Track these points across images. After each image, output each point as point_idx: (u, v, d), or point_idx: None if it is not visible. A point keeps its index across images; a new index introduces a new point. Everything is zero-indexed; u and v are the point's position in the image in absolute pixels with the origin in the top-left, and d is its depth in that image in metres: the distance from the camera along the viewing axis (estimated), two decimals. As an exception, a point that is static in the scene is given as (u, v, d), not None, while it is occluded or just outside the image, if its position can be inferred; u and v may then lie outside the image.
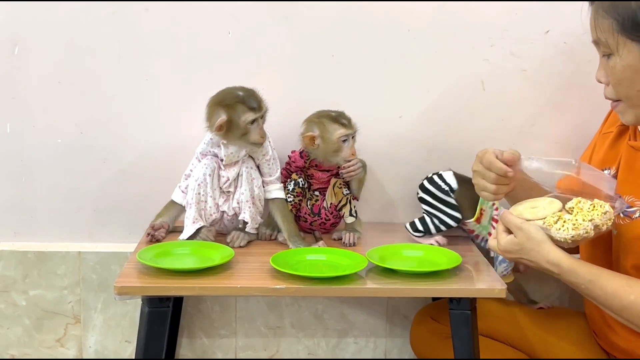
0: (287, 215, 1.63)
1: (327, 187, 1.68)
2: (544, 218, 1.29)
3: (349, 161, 1.62)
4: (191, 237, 1.59)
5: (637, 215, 1.35)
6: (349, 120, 1.60)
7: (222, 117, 1.52)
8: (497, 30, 1.75)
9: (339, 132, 1.59)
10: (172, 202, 1.66)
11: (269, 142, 1.64)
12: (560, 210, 1.31)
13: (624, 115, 1.38)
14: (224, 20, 1.73)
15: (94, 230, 1.84)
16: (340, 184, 1.67)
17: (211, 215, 1.62)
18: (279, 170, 1.66)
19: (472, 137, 1.80)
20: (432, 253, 1.55)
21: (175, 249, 1.54)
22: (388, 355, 1.93)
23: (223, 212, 1.63)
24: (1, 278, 1.82)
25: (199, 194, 1.60)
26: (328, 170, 1.65)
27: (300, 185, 1.66)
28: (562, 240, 1.25)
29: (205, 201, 1.60)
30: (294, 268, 1.43)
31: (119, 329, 1.87)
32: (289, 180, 1.67)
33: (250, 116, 1.53)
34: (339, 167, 1.65)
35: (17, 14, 1.70)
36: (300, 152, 1.65)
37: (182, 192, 1.64)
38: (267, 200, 1.65)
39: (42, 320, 1.85)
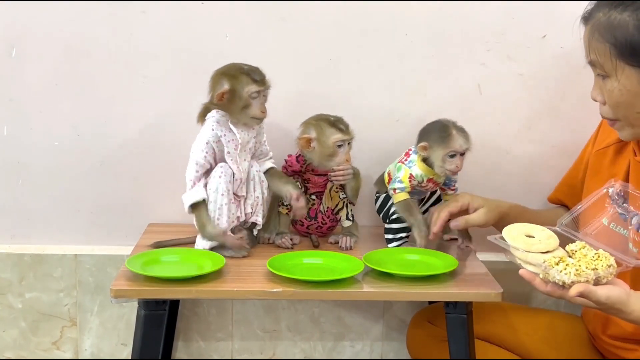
0: (283, 176, 1.64)
1: (323, 191, 1.68)
2: (545, 253, 1.26)
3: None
4: (217, 248, 1.54)
5: None
6: (346, 126, 1.60)
7: (225, 87, 1.51)
8: (493, 34, 1.76)
9: (336, 136, 1.59)
10: (199, 205, 1.53)
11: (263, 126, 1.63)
12: (556, 248, 1.28)
13: (622, 133, 1.37)
14: (221, 23, 1.73)
15: (91, 233, 1.84)
16: (336, 188, 1.67)
17: (232, 222, 1.57)
18: (270, 151, 1.66)
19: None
20: (429, 257, 1.55)
21: (165, 256, 1.51)
22: (384, 358, 1.93)
23: (237, 217, 1.59)
24: (-3, 280, 1.83)
25: (227, 204, 1.54)
26: (324, 175, 1.65)
27: (297, 189, 1.66)
28: (558, 281, 1.21)
29: (229, 211, 1.56)
30: (290, 271, 1.43)
31: (115, 332, 1.87)
32: (286, 183, 1.67)
33: (253, 88, 1.51)
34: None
35: (14, 17, 1.71)
36: (297, 157, 1.65)
37: (198, 192, 1.55)
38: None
39: (38, 322, 1.85)
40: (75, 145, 1.78)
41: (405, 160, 1.63)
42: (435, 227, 1.49)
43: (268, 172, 1.63)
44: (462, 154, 1.58)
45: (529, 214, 1.59)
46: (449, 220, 1.55)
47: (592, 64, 1.33)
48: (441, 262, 1.50)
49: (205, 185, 1.55)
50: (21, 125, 1.76)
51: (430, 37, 1.76)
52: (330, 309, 1.90)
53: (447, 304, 1.43)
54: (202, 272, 1.42)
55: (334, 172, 1.61)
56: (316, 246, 1.65)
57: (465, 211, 1.54)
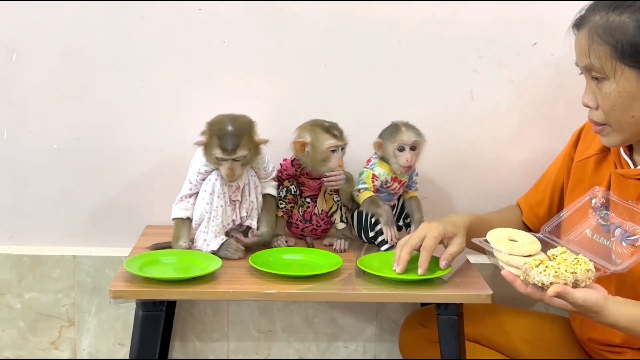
0: (271, 211, 1.66)
1: (318, 194, 1.70)
2: (527, 256, 1.28)
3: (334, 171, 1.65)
4: (217, 251, 1.57)
5: None
6: (340, 132, 1.63)
7: (203, 139, 1.54)
8: (485, 41, 1.79)
9: (329, 142, 1.61)
10: (181, 221, 1.61)
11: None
12: (538, 252, 1.31)
13: (608, 139, 1.37)
14: (218, 29, 1.76)
15: (89, 234, 1.86)
16: (330, 191, 1.70)
17: (227, 225, 1.61)
18: (273, 172, 1.68)
19: (461, 146, 1.84)
20: None
21: (162, 257, 1.54)
22: (377, 358, 1.96)
23: (232, 220, 1.63)
24: (-4, 281, 1.85)
25: (222, 206, 1.58)
26: (319, 178, 1.67)
27: (292, 192, 1.69)
28: (538, 283, 1.22)
29: (224, 213, 1.60)
30: (272, 267, 1.48)
31: (112, 332, 1.89)
32: (281, 187, 1.70)
33: (218, 153, 1.52)
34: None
35: (14, 21, 1.73)
36: (292, 161, 1.68)
37: (184, 208, 1.61)
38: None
39: (37, 323, 1.87)
40: (73, 147, 1.80)
41: (367, 165, 1.69)
42: (399, 268, 1.45)
43: (264, 198, 1.66)
44: (413, 149, 1.63)
45: (486, 223, 1.56)
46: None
47: (587, 68, 1.32)
48: (434, 266, 1.52)
49: (194, 204, 1.60)
50: (21, 128, 1.79)
51: (423, 44, 1.79)
52: (324, 310, 1.92)
53: (438, 305, 1.45)
54: (198, 273, 1.44)
55: (327, 177, 1.64)
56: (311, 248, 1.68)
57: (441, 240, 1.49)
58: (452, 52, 1.80)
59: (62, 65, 1.76)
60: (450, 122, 1.84)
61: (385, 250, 1.65)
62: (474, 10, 1.77)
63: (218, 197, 1.57)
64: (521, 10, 1.77)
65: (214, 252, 1.56)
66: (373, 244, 1.68)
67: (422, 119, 1.71)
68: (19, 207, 1.84)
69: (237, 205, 1.62)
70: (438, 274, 1.47)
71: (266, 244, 1.65)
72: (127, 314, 1.87)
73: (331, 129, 1.62)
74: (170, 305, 1.83)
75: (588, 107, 1.36)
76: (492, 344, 1.68)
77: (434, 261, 1.54)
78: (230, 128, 1.52)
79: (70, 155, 1.80)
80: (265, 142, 1.58)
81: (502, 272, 1.28)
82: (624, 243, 1.34)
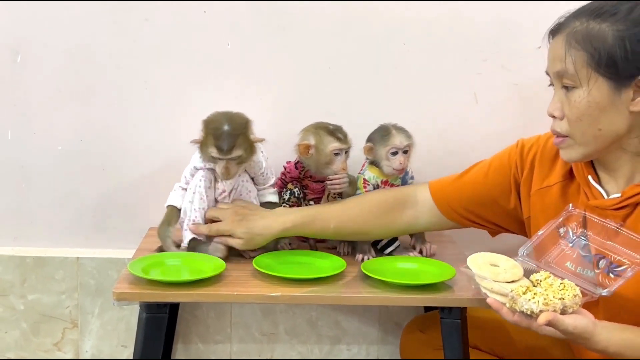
0: None
1: (321, 197, 1.70)
2: (510, 282, 1.26)
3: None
4: (192, 248, 1.58)
5: (630, 273, 1.25)
6: (345, 135, 1.63)
7: (198, 138, 1.55)
8: (489, 44, 1.79)
9: (333, 145, 1.61)
10: (172, 208, 1.63)
11: (262, 153, 1.66)
12: (521, 278, 1.28)
13: (568, 152, 1.32)
14: (223, 32, 1.76)
15: (92, 236, 1.86)
16: (334, 194, 1.70)
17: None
18: (272, 179, 1.68)
19: (465, 149, 1.84)
20: (426, 265, 1.57)
21: (166, 260, 1.54)
22: (380, 361, 1.97)
23: None
24: (0, 282, 1.85)
25: (204, 208, 1.59)
26: (322, 181, 1.67)
27: (296, 195, 1.69)
28: (526, 310, 1.20)
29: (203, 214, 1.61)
30: (275, 269, 1.48)
31: (115, 334, 1.90)
32: (284, 189, 1.70)
33: (213, 152, 1.53)
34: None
35: (19, 23, 1.74)
36: (296, 163, 1.68)
37: (180, 195, 1.63)
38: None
39: (40, 324, 1.88)
40: (78, 149, 1.81)
41: (360, 170, 1.70)
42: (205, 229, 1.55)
43: (265, 207, 1.66)
44: (405, 152, 1.63)
45: (320, 220, 1.58)
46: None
47: (559, 74, 1.28)
48: (438, 270, 1.53)
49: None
50: (25, 130, 1.79)
51: (428, 46, 1.79)
52: (327, 313, 1.92)
53: (442, 309, 1.45)
54: (202, 276, 1.44)
55: (331, 180, 1.64)
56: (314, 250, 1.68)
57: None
58: (456, 55, 1.80)
59: (67, 66, 1.76)
60: (454, 125, 1.84)
61: (389, 254, 1.65)
62: (478, 14, 1.77)
63: (201, 199, 1.59)
64: (525, 14, 1.78)
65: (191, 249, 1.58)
66: (375, 248, 1.68)
67: (425, 121, 1.71)
68: (22, 208, 1.84)
69: None
70: (443, 276, 1.48)
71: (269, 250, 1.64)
72: (130, 315, 1.87)
73: (335, 132, 1.63)
74: (174, 307, 1.83)
75: (553, 116, 1.31)
76: (492, 350, 1.67)
77: (440, 266, 1.54)
78: (226, 127, 1.52)
79: (74, 157, 1.81)
80: (261, 140, 1.58)
81: (488, 300, 1.25)
82: (611, 275, 1.29)
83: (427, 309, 1.81)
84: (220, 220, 1.57)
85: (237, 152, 1.53)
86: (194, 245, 1.58)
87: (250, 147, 1.56)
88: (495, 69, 1.80)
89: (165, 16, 1.74)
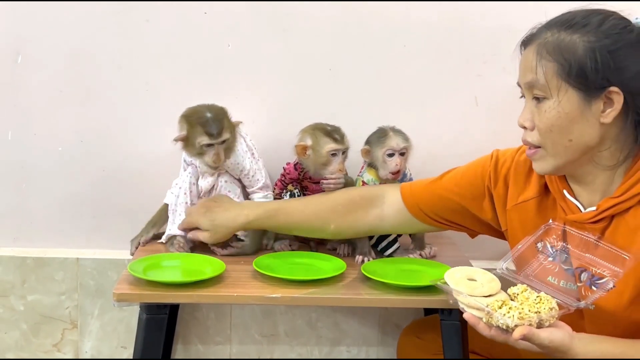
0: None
1: (322, 198, 1.71)
2: (487, 296, 1.25)
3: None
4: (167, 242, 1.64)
5: (611, 285, 1.25)
6: (342, 136, 1.63)
7: (183, 133, 1.58)
8: (490, 47, 1.79)
9: (330, 146, 1.62)
10: (166, 206, 1.69)
11: (253, 154, 1.67)
12: (498, 292, 1.27)
13: (540, 164, 1.30)
14: (223, 33, 1.76)
15: (92, 237, 1.87)
16: (333, 196, 1.70)
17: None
18: (261, 181, 1.69)
19: (465, 151, 1.83)
20: (427, 267, 1.58)
21: (166, 261, 1.55)
22: (380, 363, 1.97)
23: None
24: (0, 282, 1.85)
25: (186, 203, 1.63)
26: (321, 182, 1.68)
27: (296, 196, 1.69)
28: (502, 325, 1.19)
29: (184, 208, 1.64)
30: (275, 271, 1.48)
31: (115, 334, 1.90)
32: (284, 191, 1.70)
33: (204, 140, 1.56)
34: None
35: (20, 24, 1.74)
36: (295, 165, 1.68)
37: (172, 193, 1.68)
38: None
39: (40, 324, 1.88)
40: (78, 150, 1.81)
41: (359, 173, 1.70)
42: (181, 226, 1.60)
43: None
44: (402, 154, 1.63)
45: (283, 215, 1.58)
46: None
47: (530, 85, 1.26)
48: (439, 272, 1.52)
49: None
50: (26, 131, 1.80)
51: (428, 49, 1.80)
52: (327, 314, 1.92)
53: (442, 311, 1.46)
54: (202, 277, 1.45)
55: (326, 180, 1.64)
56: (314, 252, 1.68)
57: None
58: (457, 57, 1.80)
59: (67, 67, 1.77)
60: (455, 127, 1.84)
61: (389, 255, 1.65)
62: (479, 16, 1.77)
63: (185, 193, 1.63)
64: (526, 17, 1.76)
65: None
66: (375, 249, 1.68)
67: (425, 123, 1.71)
68: (23, 209, 1.84)
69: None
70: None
71: (249, 254, 1.64)
72: (130, 316, 1.87)
73: (332, 133, 1.63)
74: (174, 308, 1.83)
75: (524, 127, 1.30)
76: (490, 355, 1.67)
77: (440, 267, 1.54)
78: (209, 114, 1.57)
79: (74, 158, 1.81)
80: (239, 123, 1.62)
81: (465, 315, 1.24)
82: (593, 287, 1.28)
83: (427, 311, 1.81)
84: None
85: (225, 135, 1.58)
86: (171, 242, 1.64)
87: (233, 131, 1.60)
88: (495, 72, 1.80)
89: (166, 17, 1.75)
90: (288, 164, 1.70)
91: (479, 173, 1.49)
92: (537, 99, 1.26)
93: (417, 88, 1.82)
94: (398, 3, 1.76)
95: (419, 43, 1.79)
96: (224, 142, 1.58)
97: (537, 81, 1.25)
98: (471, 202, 1.49)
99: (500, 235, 1.50)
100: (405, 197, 1.55)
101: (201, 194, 1.66)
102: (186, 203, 1.64)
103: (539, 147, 1.29)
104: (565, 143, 1.26)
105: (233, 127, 1.61)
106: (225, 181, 1.66)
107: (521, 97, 1.32)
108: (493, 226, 1.49)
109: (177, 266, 1.53)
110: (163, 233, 1.68)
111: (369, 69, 1.80)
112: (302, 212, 1.58)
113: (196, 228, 1.59)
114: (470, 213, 1.50)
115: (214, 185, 1.65)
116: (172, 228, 1.64)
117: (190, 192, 1.64)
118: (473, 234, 1.59)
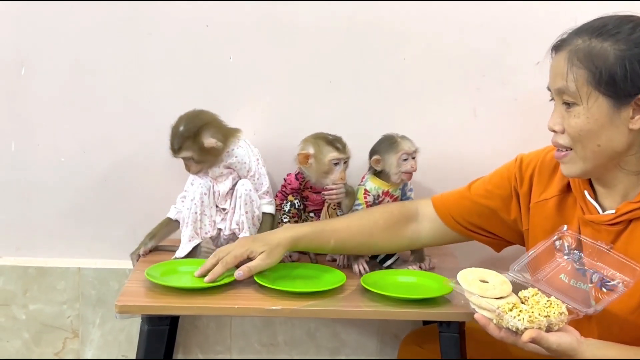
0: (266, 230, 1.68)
1: (321, 209, 1.72)
2: (498, 298, 1.28)
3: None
4: (190, 255, 1.63)
5: (617, 292, 1.27)
6: (344, 145, 1.65)
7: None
8: (489, 60, 1.81)
9: (332, 154, 1.63)
10: (168, 220, 1.70)
11: (258, 159, 1.69)
12: (510, 294, 1.30)
13: (569, 167, 1.33)
14: (225, 45, 1.78)
15: (94, 246, 1.88)
16: (334, 206, 1.71)
17: (207, 232, 1.66)
18: (265, 185, 1.70)
19: (464, 163, 1.85)
20: (426, 279, 1.58)
21: (181, 267, 1.57)
22: (378, 373, 1.97)
23: (220, 229, 1.67)
24: (2, 292, 1.86)
25: (196, 212, 1.64)
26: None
27: (296, 207, 1.70)
28: (512, 327, 1.22)
29: (201, 220, 1.65)
30: (275, 282, 1.49)
31: (116, 344, 1.91)
32: (285, 201, 1.71)
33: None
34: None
35: (23, 36, 1.75)
36: (296, 175, 1.70)
37: (176, 208, 1.70)
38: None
39: (41, 334, 1.89)
40: (80, 161, 1.82)
41: (360, 182, 1.71)
42: (213, 275, 1.46)
43: (262, 217, 1.70)
44: (413, 157, 1.66)
45: (326, 233, 1.58)
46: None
47: (560, 91, 1.29)
48: (438, 284, 1.54)
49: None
50: (28, 141, 1.81)
51: (428, 62, 1.81)
52: (326, 324, 1.93)
53: (440, 323, 1.47)
54: (203, 285, 1.46)
55: (328, 190, 1.66)
56: (314, 263, 1.69)
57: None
58: (456, 70, 1.81)
59: (70, 79, 1.78)
60: (453, 140, 1.85)
61: (388, 267, 1.66)
62: (478, 30, 1.79)
63: (195, 204, 1.64)
64: (524, 30, 1.79)
65: (187, 256, 1.62)
66: (374, 261, 1.69)
67: (425, 135, 1.72)
68: (25, 219, 1.85)
69: (228, 215, 1.66)
70: (442, 291, 1.49)
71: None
72: (131, 326, 1.88)
73: (334, 142, 1.65)
74: (174, 318, 1.84)
75: (554, 131, 1.33)
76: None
77: (439, 280, 1.55)
78: (180, 128, 1.60)
79: (77, 168, 1.82)
80: (214, 145, 1.59)
81: (475, 315, 1.27)
82: (604, 289, 1.30)
83: (426, 322, 1.82)
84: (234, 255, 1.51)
85: (185, 154, 1.60)
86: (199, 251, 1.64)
87: (200, 151, 1.60)
88: (494, 84, 1.82)
89: (168, 30, 1.76)
90: (289, 174, 1.71)
91: (505, 176, 1.54)
92: (567, 104, 1.29)
93: (416, 101, 1.83)
94: (398, 17, 1.77)
95: (419, 56, 1.80)
96: (185, 158, 1.61)
97: (567, 88, 1.28)
98: (500, 204, 1.53)
99: (522, 240, 1.53)
100: (437, 207, 1.60)
101: (219, 199, 1.66)
102: (195, 213, 1.64)
103: (570, 149, 1.32)
104: (594, 148, 1.29)
105: (201, 147, 1.59)
106: (250, 189, 1.66)
107: (551, 100, 1.35)
108: (517, 228, 1.53)
109: (192, 272, 1.52)
110: (163, 245, 1.70)
111: (369, 81, 1.82)
112: (347, 228, 1.58)
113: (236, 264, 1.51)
114: (499, 217, 1.54)
115: (233, 187, 1.67)
116: (185, 241, 1.64)
117: (202, 202, 1.64)
118: (498, 244, 1.61)
